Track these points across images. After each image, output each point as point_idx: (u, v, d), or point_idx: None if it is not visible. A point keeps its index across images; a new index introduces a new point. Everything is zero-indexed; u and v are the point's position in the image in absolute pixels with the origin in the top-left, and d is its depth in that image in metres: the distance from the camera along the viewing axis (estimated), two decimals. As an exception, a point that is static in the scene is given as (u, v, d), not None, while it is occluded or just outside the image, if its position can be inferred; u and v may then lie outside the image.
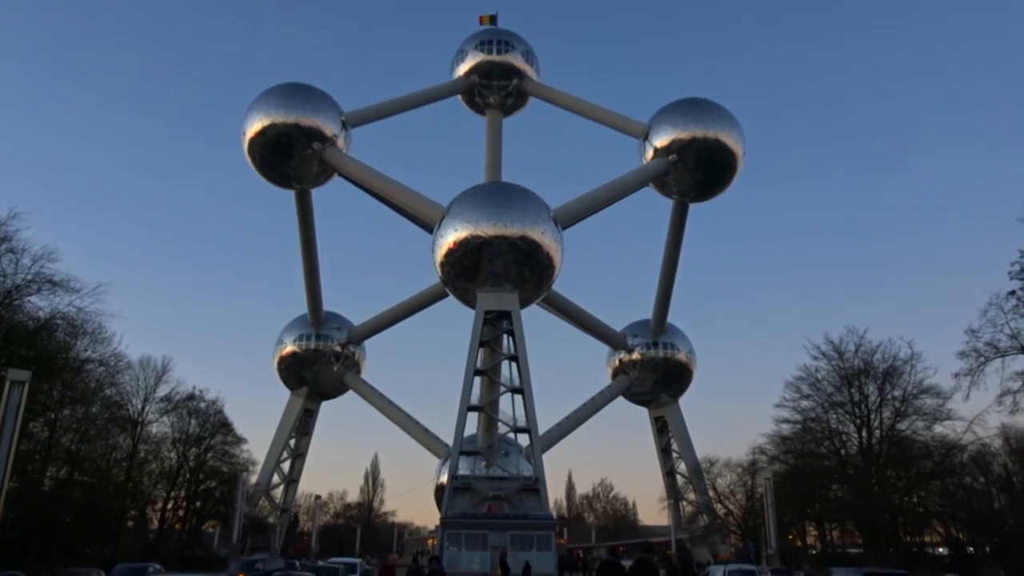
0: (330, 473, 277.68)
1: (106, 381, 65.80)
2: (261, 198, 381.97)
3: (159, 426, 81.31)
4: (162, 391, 79.60)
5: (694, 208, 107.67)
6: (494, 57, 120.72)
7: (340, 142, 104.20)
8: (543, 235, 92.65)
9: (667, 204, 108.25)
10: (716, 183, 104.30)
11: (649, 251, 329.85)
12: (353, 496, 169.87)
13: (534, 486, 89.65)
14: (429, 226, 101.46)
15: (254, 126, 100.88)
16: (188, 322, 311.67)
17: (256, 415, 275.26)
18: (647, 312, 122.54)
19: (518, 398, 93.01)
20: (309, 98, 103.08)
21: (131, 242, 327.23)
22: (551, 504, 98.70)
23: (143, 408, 77.27)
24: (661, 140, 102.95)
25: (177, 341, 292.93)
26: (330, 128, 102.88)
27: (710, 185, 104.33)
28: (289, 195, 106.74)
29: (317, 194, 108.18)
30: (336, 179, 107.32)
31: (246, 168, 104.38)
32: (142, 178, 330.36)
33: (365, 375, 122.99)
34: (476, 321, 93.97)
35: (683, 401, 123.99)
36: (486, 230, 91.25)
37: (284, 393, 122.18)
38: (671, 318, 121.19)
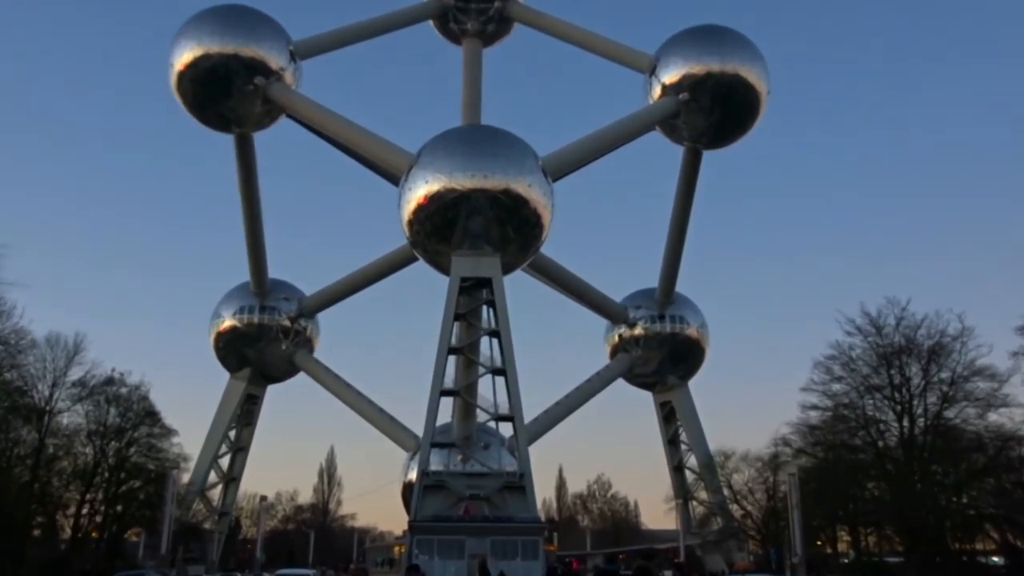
0: (278, 470, 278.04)
1: (5, 363, 64.31)
2: (194, 144, 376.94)
3: (71, 416, 79.87)
4: (74, 374, 77.99)
5: (708, 156, 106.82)
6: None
7: (288, 76, 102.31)
8: (530, 188, 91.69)
9: (677, 152, 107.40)
10: (735, 127, 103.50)
11: (655, 207, 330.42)
12: (305, 497, 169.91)
13: (519, 483, 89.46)
14: (395, 177, 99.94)
15: (183, 57, 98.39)
16: (106, 292, 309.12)
17: (189, 402, 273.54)
18: (651, 280, 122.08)
19: (500, 380, 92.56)
20: (250, 24, 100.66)
21: (36, 199, 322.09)
22: (539, 505, 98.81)
23: (51, 395, 75.71)
24: (670, 75, 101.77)
25: (93, 315, 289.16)
26: (276, 60, 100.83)
27: (727, 129, 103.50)
28: (228, 140, 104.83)
29: (261, 139, 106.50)
30: (283, 121, 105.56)
31: (176, 108, 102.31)
32: (49, 120, 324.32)
33: (319, 354, 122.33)
34: (450, 290, 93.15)
35: (693, 384, 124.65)
36: (462, 182, 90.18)
37: (222, 376, 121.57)
38: (680, 286, 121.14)
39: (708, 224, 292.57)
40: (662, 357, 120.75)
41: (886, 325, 72.90)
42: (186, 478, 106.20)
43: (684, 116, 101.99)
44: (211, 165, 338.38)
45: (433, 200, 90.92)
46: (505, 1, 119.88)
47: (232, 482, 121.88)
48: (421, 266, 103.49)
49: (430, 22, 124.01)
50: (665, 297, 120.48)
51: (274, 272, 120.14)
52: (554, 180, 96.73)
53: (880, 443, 73.71)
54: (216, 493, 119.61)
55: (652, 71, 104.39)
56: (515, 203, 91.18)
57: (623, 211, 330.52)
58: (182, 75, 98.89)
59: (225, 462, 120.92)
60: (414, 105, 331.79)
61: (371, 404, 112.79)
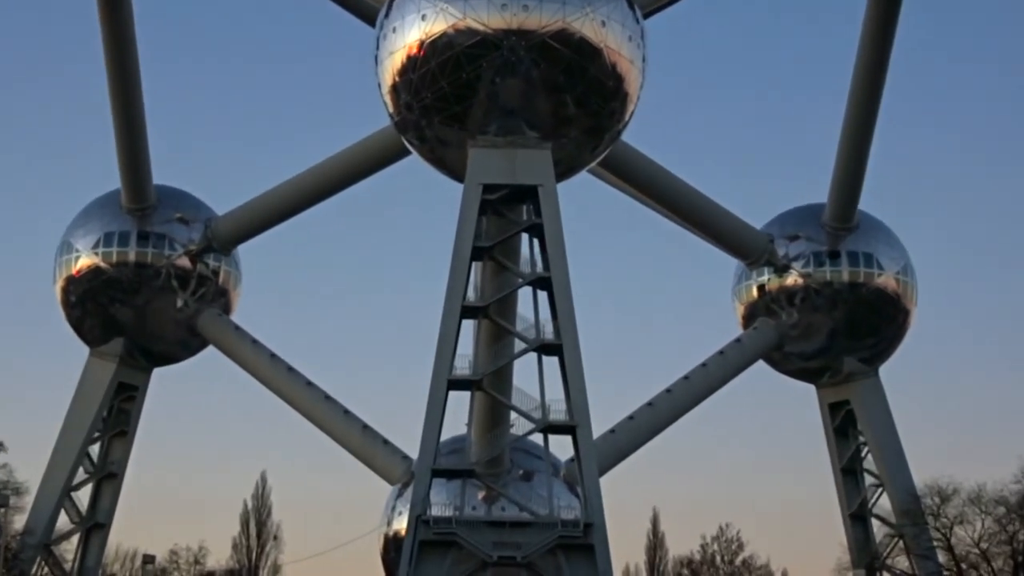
0: (174, 512, 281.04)
1: None
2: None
3: None
4: None
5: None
6: None
7: None
8: (602, 28, 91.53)
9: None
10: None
11: (819, 62, 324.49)
12: (220, 556, 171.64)
13: (583, 540, 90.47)
14: (369, 9, 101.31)
15: None
16: None
17: (23, 398, 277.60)
18: (816, 191, 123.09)
19: (552, 362, 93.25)
20: None
21: None
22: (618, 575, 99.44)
23: None
24: None
25: None
26: None
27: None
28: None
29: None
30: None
31: None
32: None
33: (240, 316, 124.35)
34: (465, 207, 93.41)
35: (887, 373, 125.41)
36: (486, 18, 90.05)
37: (79, 352, 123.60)
38: (863, 203, 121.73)
39: (903, 106, 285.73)
40: (834, 326, 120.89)
41: None
42: (20, 522, 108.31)
43: None
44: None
45: (435, 49, 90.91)
46: None
47: (96, 530, 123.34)
48: (413, 164, 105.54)
49: None
50: (840, 220, 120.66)
51: (161, 175, 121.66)
52: (647, 14, 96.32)
53: None
54: (70, 547, 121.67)
55: None
56: (578, 54, 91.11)
57: (765, 68, 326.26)
58: None
59: (85, 496, 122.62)
60: None
61: (330, 403, 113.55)
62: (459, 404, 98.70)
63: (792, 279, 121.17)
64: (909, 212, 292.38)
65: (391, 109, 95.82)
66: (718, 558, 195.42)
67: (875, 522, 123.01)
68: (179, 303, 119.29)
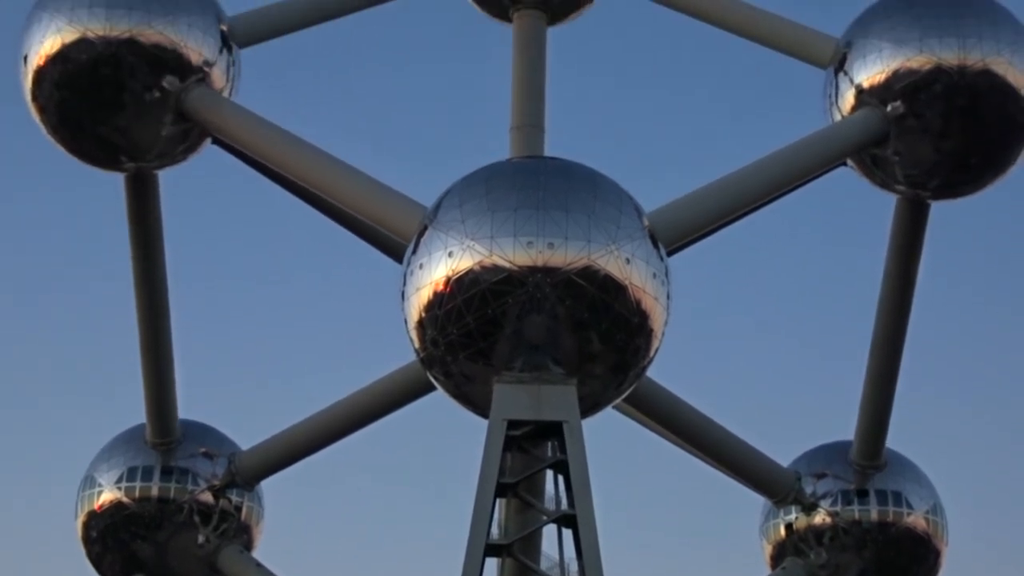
0: None
1: None
2: (62, 184, 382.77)
3: None
4: None
5: (936, 212, 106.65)
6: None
7: (217, 75, 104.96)
8: (627, 266, 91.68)
9: (884, 204, 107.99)
10: (985, 164, 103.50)
11: (841, 299, 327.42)
12: None
13: None
14: (396, 247, 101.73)
15: (46, 45, 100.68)
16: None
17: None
18: (842, 427, 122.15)
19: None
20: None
21: None
22: None
23: None
24: (871, 73, 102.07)
25: None
26: (199, 48, 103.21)
27: (973, 167, 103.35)
28: (115, 182, 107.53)
29: (169, 180, 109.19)
30: (208, 151, 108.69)
31: (33, 129, 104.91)
32: None
33: (260, 552, 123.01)
34: (490, 442, 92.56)
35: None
36: (512, 255, 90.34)
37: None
38: (891, 439, 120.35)
39: (928, 341, 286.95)
40: (864, 566, 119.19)
41: None
42: None
43: (897, 142, 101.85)
44: (85, 216, 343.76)
45: (462, 286, 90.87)
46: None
47: None
48: (438, 400, 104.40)
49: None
50: (868, 458, 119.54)
51: (187, 409, 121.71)
52: (671, 251, 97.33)
53: None
54: None
55: (839, 65, 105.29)
56: (603, 291, 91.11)
57: (786, 303, 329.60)
58: (42, 74, 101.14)
59: None
60: (428, 122, 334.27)
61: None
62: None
63: (820, 518, 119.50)
64: (938, 449, 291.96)
65: (416, 345, 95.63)
66: None
67: None
68: (200, 539, 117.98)
